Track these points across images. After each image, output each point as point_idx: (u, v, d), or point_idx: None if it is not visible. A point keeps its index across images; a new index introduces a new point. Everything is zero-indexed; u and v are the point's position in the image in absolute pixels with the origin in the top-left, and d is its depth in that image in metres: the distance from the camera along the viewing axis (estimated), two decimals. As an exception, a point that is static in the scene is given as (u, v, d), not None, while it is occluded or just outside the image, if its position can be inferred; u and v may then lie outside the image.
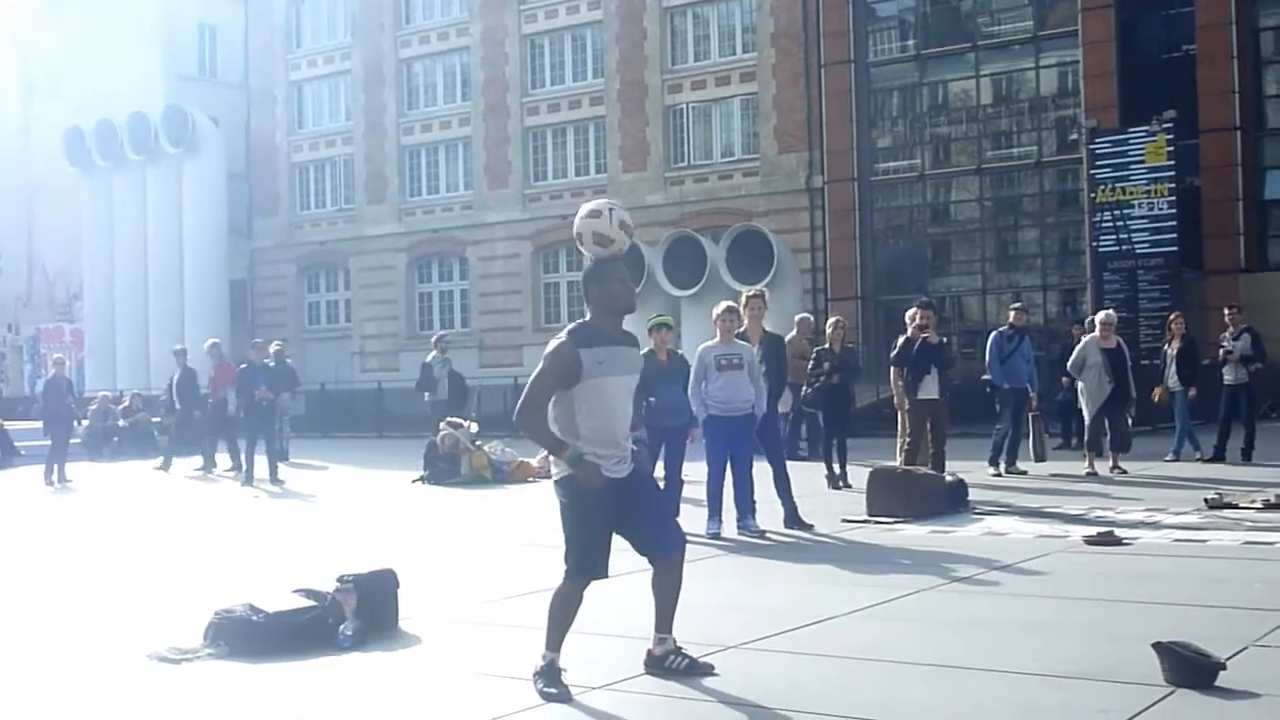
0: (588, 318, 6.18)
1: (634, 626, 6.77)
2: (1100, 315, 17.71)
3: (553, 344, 6.08)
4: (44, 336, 50.19)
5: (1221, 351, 18.19)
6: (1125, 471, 16.36)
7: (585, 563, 6.08)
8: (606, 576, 6.16)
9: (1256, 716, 5.37)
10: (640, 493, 6.21)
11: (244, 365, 21.25)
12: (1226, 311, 18.79)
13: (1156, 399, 18.50)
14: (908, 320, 15.53)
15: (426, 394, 23.88)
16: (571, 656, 6.13)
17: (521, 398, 6.10)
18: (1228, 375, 18.05)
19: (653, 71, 38.97)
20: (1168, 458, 18.02)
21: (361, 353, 44.46)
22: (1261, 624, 6.99)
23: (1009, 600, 8.21)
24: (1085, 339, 17.46)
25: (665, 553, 6.27)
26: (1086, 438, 17.17)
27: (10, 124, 51.08)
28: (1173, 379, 18.28)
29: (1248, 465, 17.15)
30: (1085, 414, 17.19)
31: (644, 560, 6.29)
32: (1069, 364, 17.51)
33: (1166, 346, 18.78)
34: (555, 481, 6.19)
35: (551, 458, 6.17)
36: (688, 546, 6.47)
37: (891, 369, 15.52)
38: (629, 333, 6.30)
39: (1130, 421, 17.67)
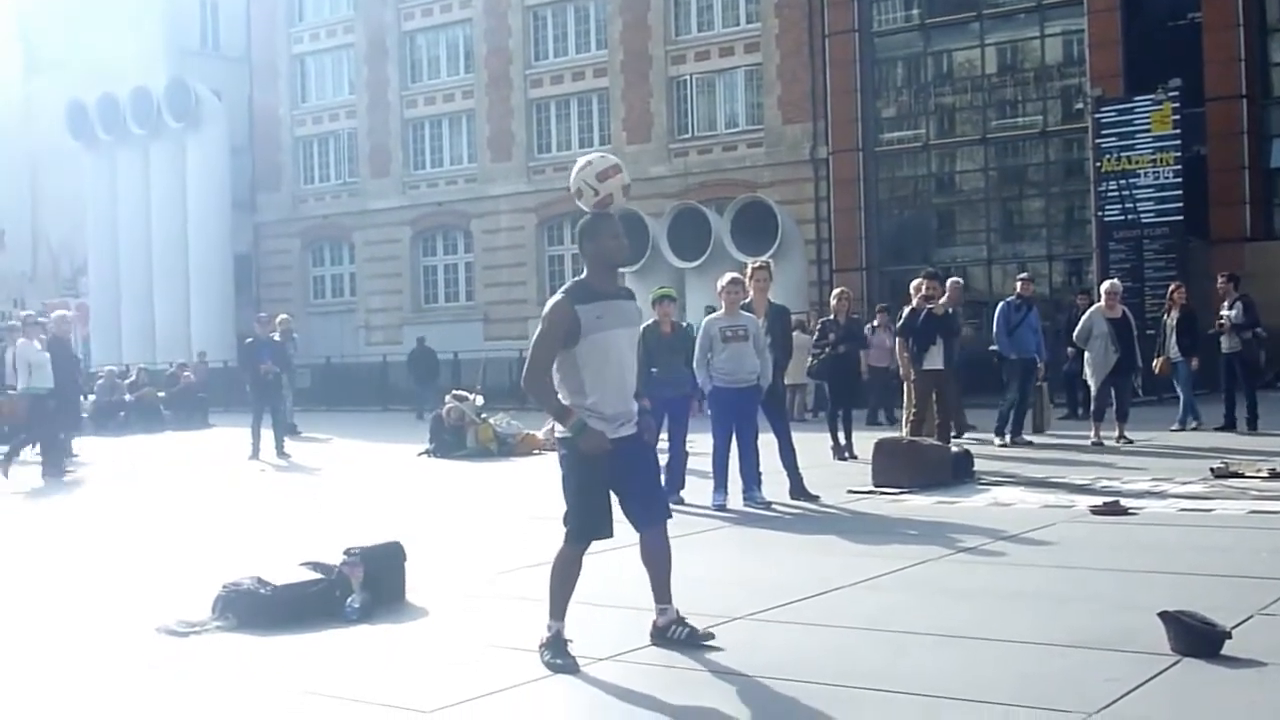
0: (583, 275, 6.23)
1: (639, 598, 6.78)
2: (1106, 284, 17.71)
3: (549, 304, 6.13)
4: (49, 311, 50.15)
5: (1217, 322, 18.25)
6: (1131, 441, 16.37)
7: (587, 525, 6.12)
8: (611, 535, 6.19)
9: (1262, 685, 5.38)
10: (637, 461, 6.22)
11: (249, 340, 21.27)
12: (1219, 280, 18.83)
13: (1158, 370, 18.52)
14: (913, 291, 15.52)
15: None
16: (577, 628, 6.15)
17: (526, 363, 6.15)
18: (1224, 344, 18.12)
19: (656, 42, 38.83)
20: (1173, 428, 18.05)
21: (366, 326, 44.49)
22: (1267, 593, 7.00)
23: (1015, 570, 8.21)
24: (1091, 309, 17.46)
25: (644, 527, 6.31)
26: (1093, 408, 17.17)
27: (12, 98, 50.96)
28: (1173, 349, 18.31)
29: (1253, 434, 17.16)
30: (1090, 384, 17.20)
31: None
32: (1075, 334, 17.51)
33: (1166, 317, 18.79)
34: (558, 439, 6.22)
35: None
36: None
37: (897, 340, 15.52)
38: (626, 287, 6.39)
39: (1139, 391, 17.67)
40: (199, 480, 17.61)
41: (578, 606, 6.08)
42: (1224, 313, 18.18)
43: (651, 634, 6.35)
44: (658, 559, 6.34)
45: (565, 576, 6.20)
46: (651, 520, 6.32)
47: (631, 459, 6.16)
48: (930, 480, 12.42)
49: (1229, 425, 17.80)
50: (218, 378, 36.82)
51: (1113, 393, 16.88)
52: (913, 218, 36.13)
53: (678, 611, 6.34)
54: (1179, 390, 18.57)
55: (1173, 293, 19.06)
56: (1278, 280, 26.30)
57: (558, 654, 6.02)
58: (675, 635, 6.28)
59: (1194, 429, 17.91)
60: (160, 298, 44.95)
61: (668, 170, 38.15)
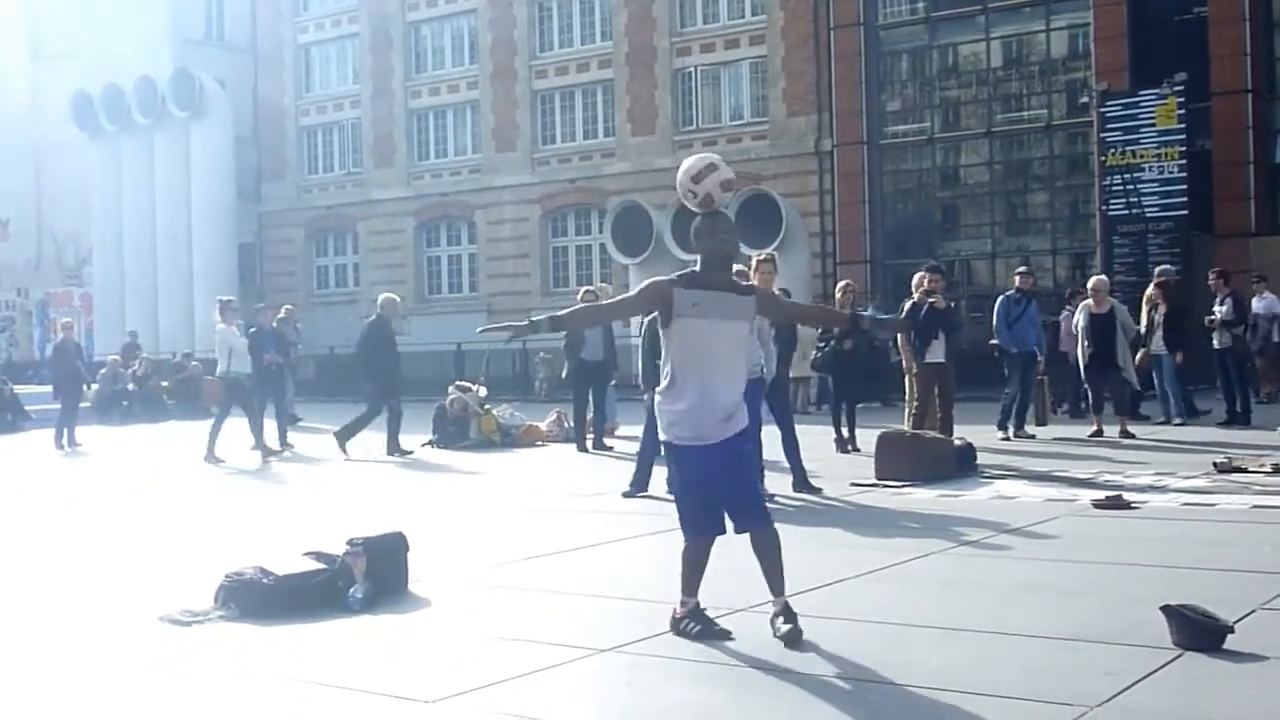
0: (695, 267, 6.36)
1: (643, 590, 6.79)
2: (1091, 280, 18.00)
3: (650, 279, 6.39)
4: (53, 301, 50.23)
5: (1208, 319, 18.37)
6: (1132, 435, 16.40)
7: (686, 520, 6.35)
8: (717, 530, 6.35)
9: (1264, 679, 5.38)
10: (724, 467, 6.22)
11: (253, 329, 21.26)
12: (1211, 277, 18.96)
13: (1138, 363, 18.60)
14: (914, 285, 15.54)
15: (584, 354, 18.53)
16: (578, 619, 6.15)
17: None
18: (1216, 341, 18.24)
19: (661, 34, 38.79)
20: (1176, 421, 18.07)
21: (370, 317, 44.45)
22: (1269, 587, 7.00)
23: (1017, 563, 8.22)
24: (1082, 304, 17.65)
25: (741, 528, 6.37)
26: (1091, 401, 17.33)
27: (18, 89, 50.93)
28: (1158, 343, 18.38)
29: (1249, 429, 17.17)
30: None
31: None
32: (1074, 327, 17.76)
33: (1154, 312, 18.85)
34: (663, 443, 6.49)
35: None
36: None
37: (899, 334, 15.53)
38: (745, 285, 6.53)
39: (1133, 385, 17.73)
40: (200, 469, 17.61)
41: (580, 598, 6.09)
42: (1216, 309, 18.31)
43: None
44: (760, 552, 6.38)
45: (688, 561, 6.39)
46: (746, 523, 6.35)
47: (720, 465, 6.21)
48: (933, 473, 12.43)
49: (1232, 420, 17.84)
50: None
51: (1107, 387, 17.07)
52: (917, 211, 36.09)
53: (786, 604, 6.31)
54: (1167, 385, 18.56)
55: (1157, 287, 19.23)
56: (1281, 275, 26.26)
57: (694, 620, 6.28)
58: (776, 629, 6.22)
59: (1160, 422, 18.03)
60: (164, 287, 44.93)
61: (672, 162, 37.74)
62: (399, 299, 19.94)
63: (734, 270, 11.58)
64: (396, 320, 19.58)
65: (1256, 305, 18.33)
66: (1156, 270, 19.50)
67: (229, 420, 18.72)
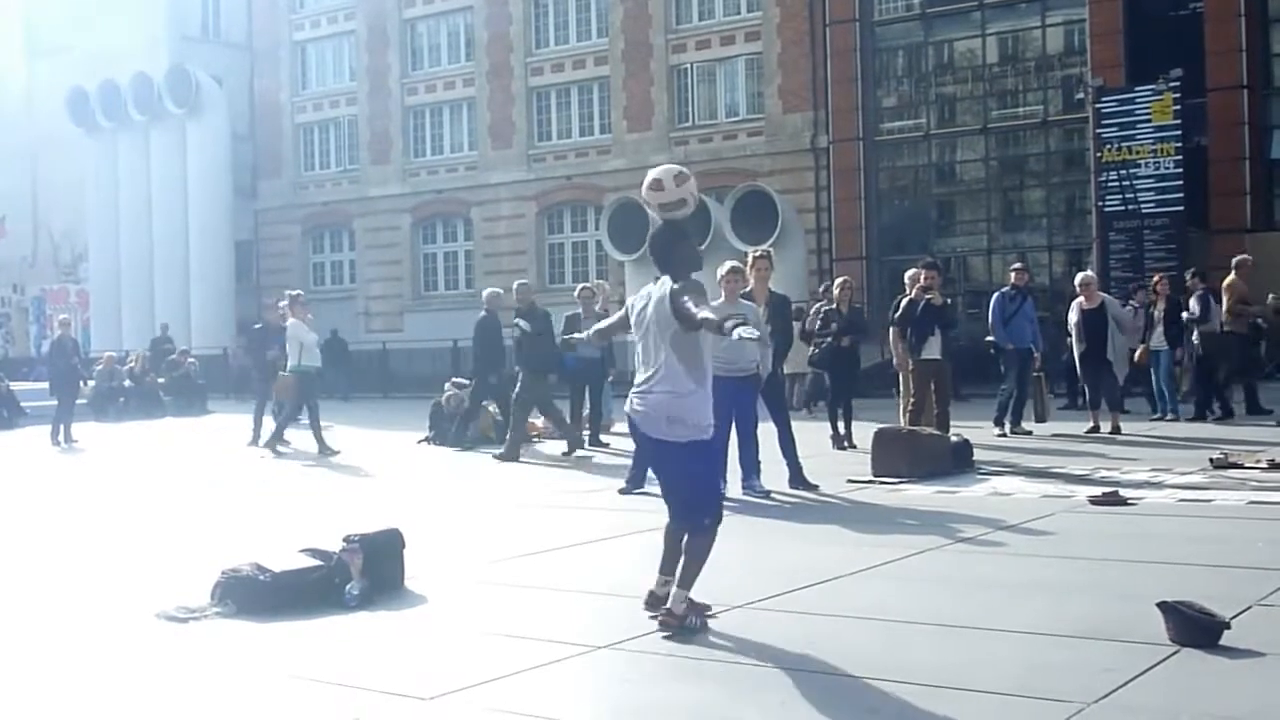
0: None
1: (638, 586, 6.78)
2: (1079, 276, 18.04)
3: None
4: (49, 297, 50.21)
5: (1184, 316, 18.51)
6: (1119, 430, 16.42)
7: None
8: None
9: (1261, 675, 5.38)
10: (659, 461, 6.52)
11: (258, 325, 21.29)
12: (1188, 277, 19.12)
13: (1137, 359, 18.64)
14: (908, 280, 15.53)
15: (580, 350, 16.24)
16: (578, 615, 6.15)
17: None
18: (1194, 337, 18.43)
19: (657, 31, 38.77)
20: (1169, 416, 18.10)
21: (366, 313, 44.46)
22: (1266, 583, 7.00)
23: (1014, 560, 8.22)
24: (1074, 300, 17.69)
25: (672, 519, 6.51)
26: (1088, 397, 17.36)
27: (14, 85, 50.87)
28: (1157, 339, 18.41)
29: (1231, 424, 17.26)
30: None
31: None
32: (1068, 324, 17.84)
33: (1152, 308, 18.86)
34: None
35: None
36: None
37: (891, 330, 15.53)
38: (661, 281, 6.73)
39: (1120, 380, 17.78)
40: (197, 466, 17.60)
41: (577, 595, 6.09)
42: (1194, 307, 18.48)
43: (647, 602, 6.50)
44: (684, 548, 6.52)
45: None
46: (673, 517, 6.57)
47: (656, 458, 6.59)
48: (929, 470, 12.43)
49: (1227, 415, 17.92)
50: (216, 364, 36.84)
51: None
52: (913, 207, 36.11)
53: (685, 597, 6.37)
54: (1162, 381, 18.59)
55: (1156, 284, 19.24)
56: (1278, 271, 26.26)
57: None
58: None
59: (1155, 418, 18.09)
60: (160, 284, 44.89)
61: (668, 159, 37.94)
62: (501, 291, 19.73)
63: (727, 268, 11.62)
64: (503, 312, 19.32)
65: (1193, 305, 18.45)
66: (1234, 261, 19.35)
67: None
